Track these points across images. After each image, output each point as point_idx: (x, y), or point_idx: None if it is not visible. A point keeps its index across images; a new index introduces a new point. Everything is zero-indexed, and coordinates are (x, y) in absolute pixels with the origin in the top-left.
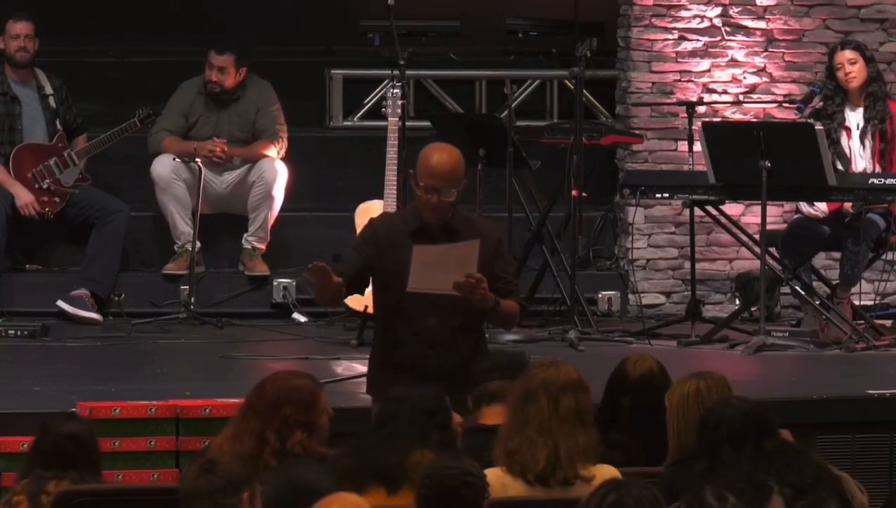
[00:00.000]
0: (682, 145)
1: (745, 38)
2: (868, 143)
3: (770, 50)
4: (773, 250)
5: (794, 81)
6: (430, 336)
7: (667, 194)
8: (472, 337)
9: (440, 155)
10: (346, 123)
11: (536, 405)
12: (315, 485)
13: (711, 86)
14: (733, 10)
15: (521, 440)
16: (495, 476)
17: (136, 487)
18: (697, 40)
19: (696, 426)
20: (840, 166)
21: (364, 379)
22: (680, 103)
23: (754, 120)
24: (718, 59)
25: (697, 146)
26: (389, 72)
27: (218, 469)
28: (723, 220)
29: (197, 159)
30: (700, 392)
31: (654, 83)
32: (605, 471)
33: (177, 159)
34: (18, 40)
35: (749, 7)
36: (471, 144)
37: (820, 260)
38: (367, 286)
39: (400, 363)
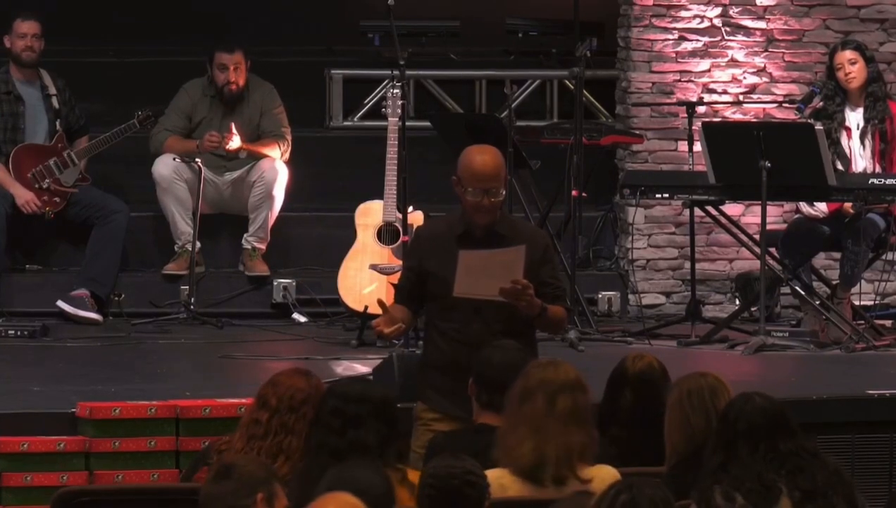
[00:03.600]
0: (682, 145)
1: (745, 38)
2: (868, 143)
3: (770, 50)
4: (773, 250)
5: (794, 81)
6: (474, 340)
7: (667, 194)
8: (518, 341)
9: (483, 156)
10: (346, 123)
11: (532, 403)
12: (369, 487)
13: (711, 86)
14: (733, 10)
15: (514, 439)
16: (495, 476)
17: (136, 487)
18: (697, 40)
19: (682, 430)
20: (840, 166)
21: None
22: (680, 103)
23: (754, 120)
24: (718, 59)
25: (697, 146)
26: (389, 72)
27: (233, 473)
28: (723, 220)
29: (197, 159)
30: (682, 399)
31: (654, 83)
32: (605, 472)
33: (177, 159)
34: (25, 40)
35: (749, 7)
36: (471, 144)
37: (820, 260)
38: None
39: (443, 366)
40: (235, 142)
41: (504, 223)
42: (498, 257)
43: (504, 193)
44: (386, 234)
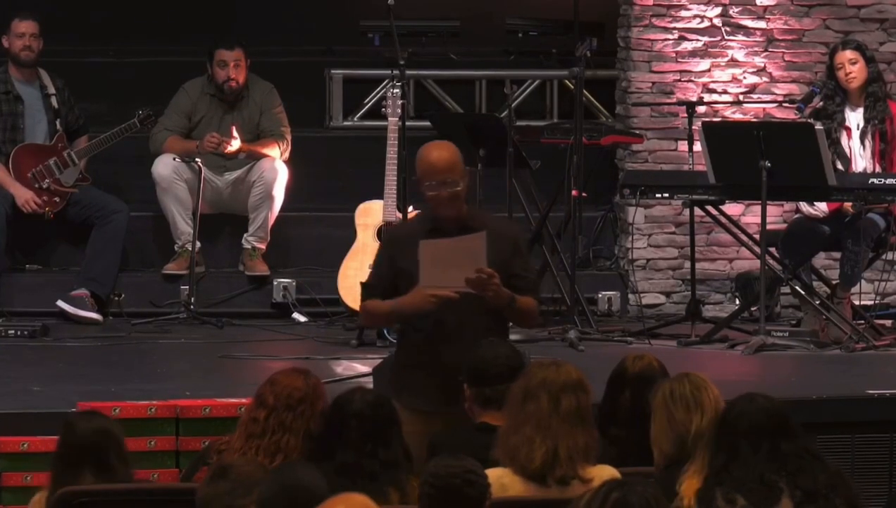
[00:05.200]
0: (682, 145)
1: (745, 38)
2: (868, 143)
3: (770, 50)
4: (773, 250)
5: (794, 81)
6: (446, 333)
7: (667, 194)
8: (491, 334)
9: (437, 151)
10: (346, 123)
11: (536, 403)
12: (310, 487)
13: (711, 86)
14: (733, 10)
15: (519, 439)
16: (496, 476)
17: (137, 487)
18: (697, 40)
19: (669, 431)
20: (840, 166)
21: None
22: (680, 103)
23: (754, 120)
24: (718, 60)
25: (697, 146)
26: (389, 72)
27: (230, 473)
28: (723, 220)
29: (197, 159)
30: (666, 399)
31: (654, 83)
32: (606, 472)
33: (177, 159)
34: (23, 39)
35: (749, 7)
36: (471, 144)
37: (820, 260)
38: None
39: (417, 362)
40: (235, 145)
41: (475, 219)
42: (459, 244)
43: (462, 185)
44: None
